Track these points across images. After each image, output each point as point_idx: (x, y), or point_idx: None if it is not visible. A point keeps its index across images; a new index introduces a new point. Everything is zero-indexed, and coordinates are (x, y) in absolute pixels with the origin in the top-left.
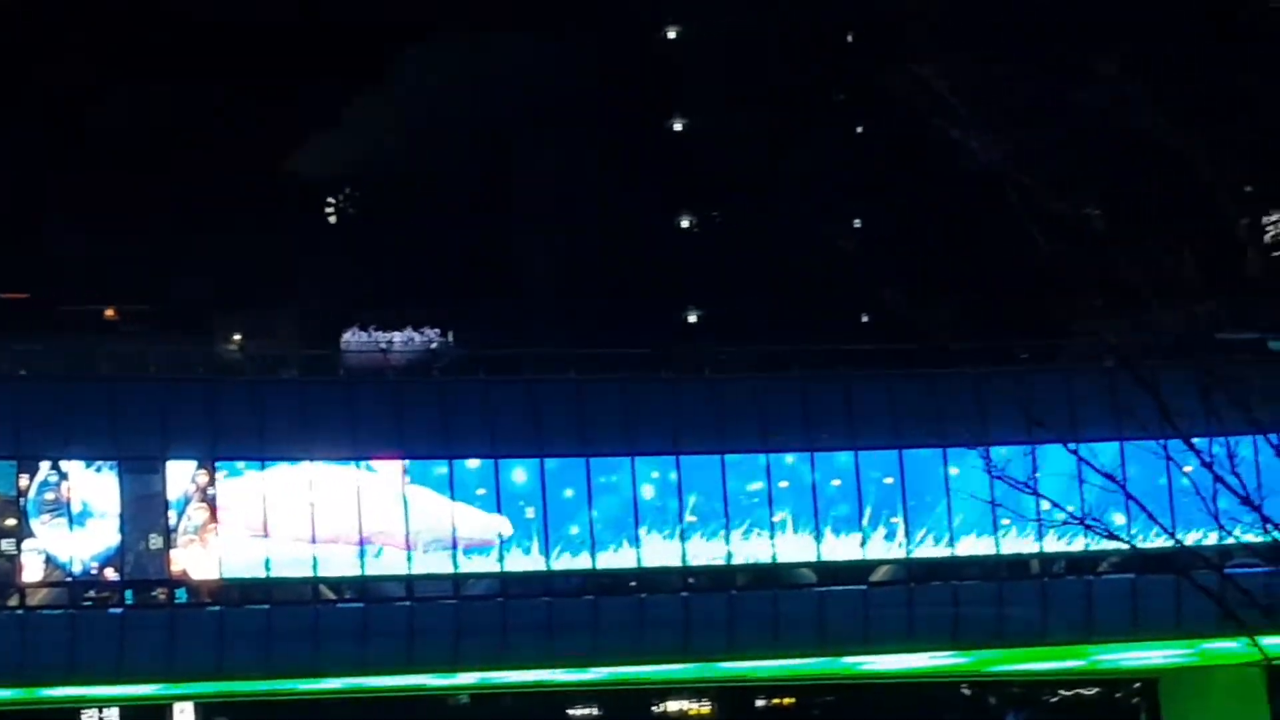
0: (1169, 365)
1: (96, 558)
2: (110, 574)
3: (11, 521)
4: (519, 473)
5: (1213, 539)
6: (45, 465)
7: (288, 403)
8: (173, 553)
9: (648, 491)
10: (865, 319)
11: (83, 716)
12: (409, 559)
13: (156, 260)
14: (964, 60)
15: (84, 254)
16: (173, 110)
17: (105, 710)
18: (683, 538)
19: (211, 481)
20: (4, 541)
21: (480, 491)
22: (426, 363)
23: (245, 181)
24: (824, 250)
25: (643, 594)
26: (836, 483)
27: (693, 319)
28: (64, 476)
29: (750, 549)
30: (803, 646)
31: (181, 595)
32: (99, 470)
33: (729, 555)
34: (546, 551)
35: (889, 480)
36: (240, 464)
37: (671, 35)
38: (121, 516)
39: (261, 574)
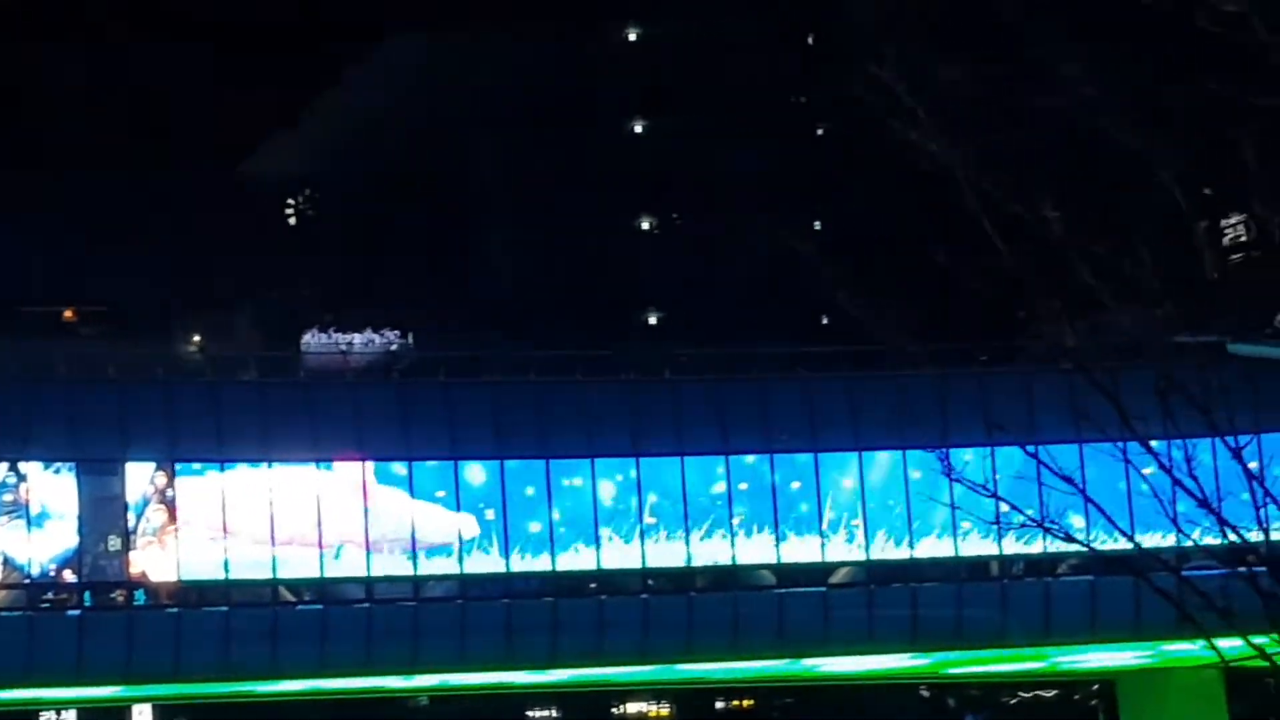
0: (1127, 368)
1: (55, 559)
2: (68, 576)
3: None
4: (478, 474)
5: (1171, 541)
6: (3, 467)
7: (247, 404)
8: (131, 554)
9: (607, 493)
10: (825, 321)
11: (41, 719)
12: (368, 561)
13: (115, 262)
14: (923, 63)
15: (42, 256)
16: (132, 111)
17: (63, 712)
18: (642, 540)
19: (170, 483)
20: None
21: (440, 493)
22: (386, 364)
23: (204, 183)
24: (783, 252)
25: (602, 596)
26: (796, 484)
27: (652, 321)
28: (22, 478)
29: (710, 551)
30: (762, 648)
31: (140, 597)
32: (57, 472)
33: (689, 557)
34: (506, 553)
35: (849, 482)
36: (199, 466)
37: (631, 37)
38: (80, 518)
39: (220, 576)
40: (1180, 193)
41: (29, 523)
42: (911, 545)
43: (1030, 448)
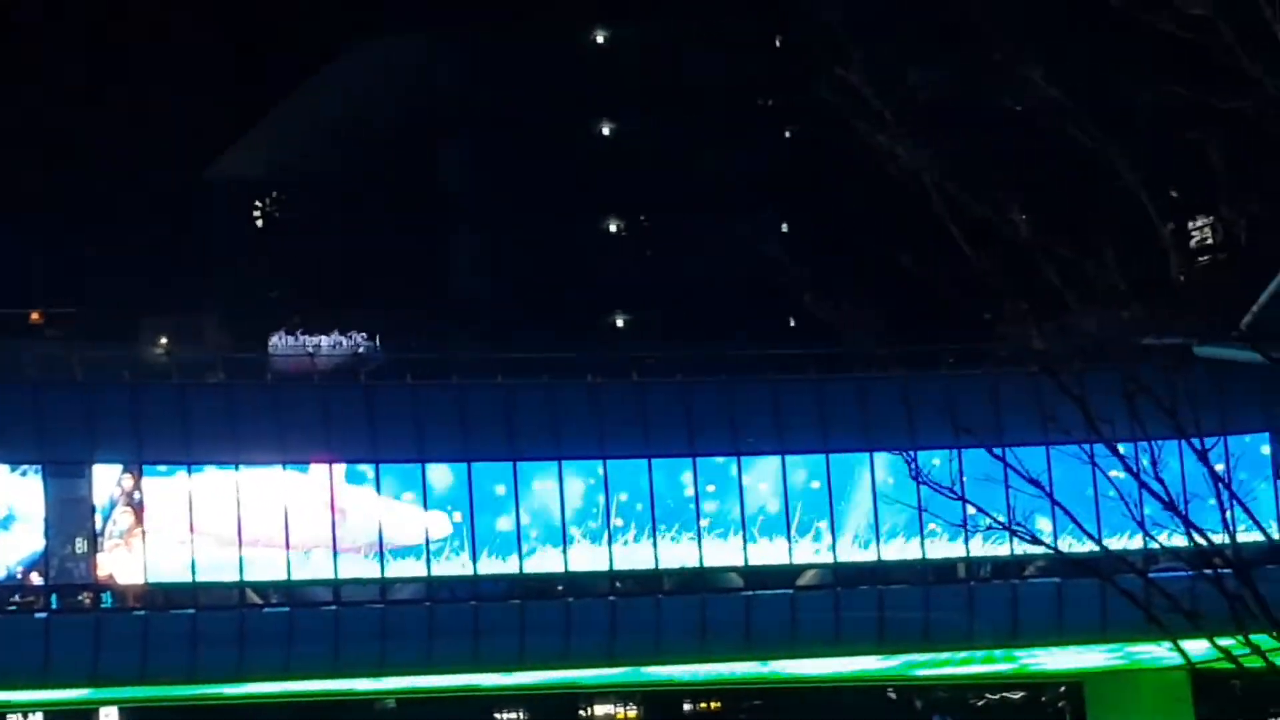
0: (1093, 370)
1: (21, 562)
2: (35, 578)
3: None
4: (446, 477)
5: (1138, 544)
6: None
7: (214, 407)
8: (98, 557)
9: (575, 495)
10: (793, 323)
11: None
12: (335, 563)
13: (82, 264)
14: (891, 67)
15: (8, 257)
16: (102, 113)
17: (30, 715)
18: (610, 542)
19: (137, 485)
20: None
21: (407, 496)
22: (353, 367)
23: (172, 185)
24: (751, 254)
25: (570, 598)
26: (764, 486)
27: (620, 323)
28: None
29: (677, 553)
30: (729, 650)
31: (107, 600)
32: (24, 474)
33: (656, 559)
34: (473, 556)
35: (816, 484)
36: (166, 468)
37: (599, 39)
38: (46, 520)
39: (187, 578)
40: (1146, 195)
41: None
42: (879, 547)
43: (997, 450)
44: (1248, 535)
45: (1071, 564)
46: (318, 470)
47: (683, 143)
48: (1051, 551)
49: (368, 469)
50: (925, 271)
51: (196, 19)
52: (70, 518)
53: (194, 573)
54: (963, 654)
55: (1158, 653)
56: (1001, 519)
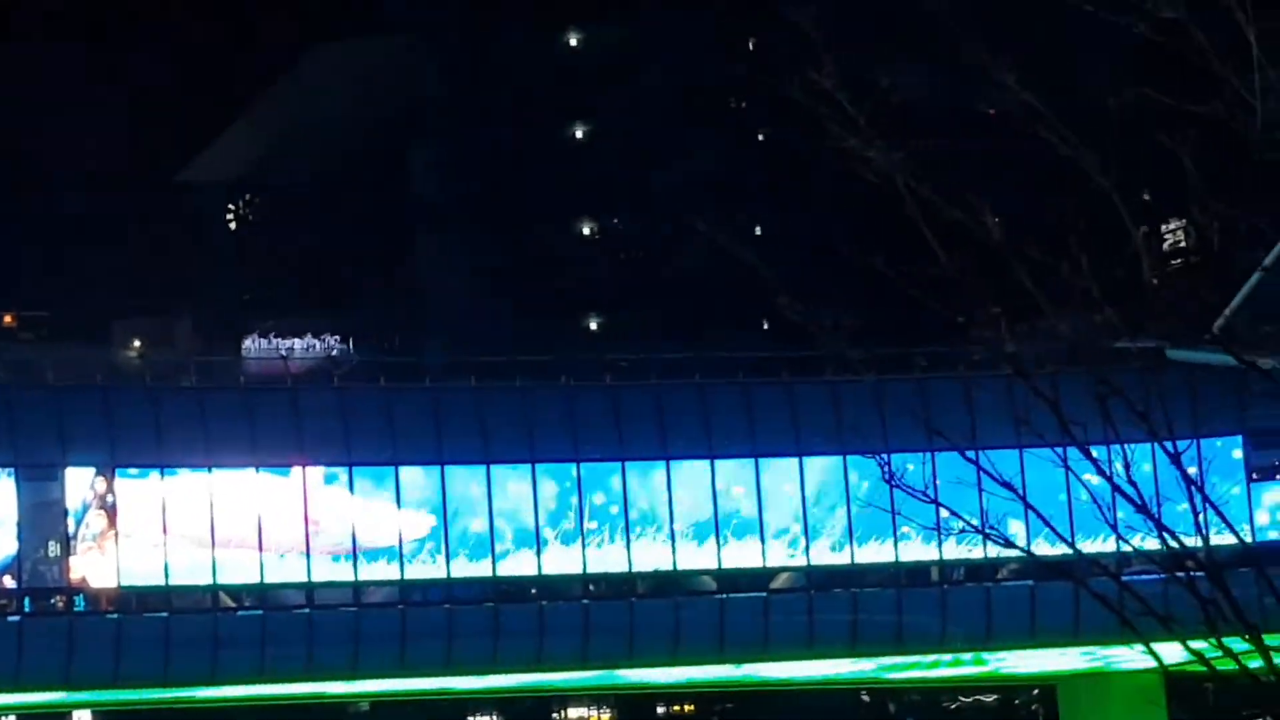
0: (1066, 374)
1: None
2: (8, 582)
3: None
4: (419, 479)
5: (1111, 547)
6: None
7: (187, 410)
8: (71, 560)
9: (548, 498)
10: (765, 326)
11: None
12: (309, 566)
13: (55, 267)
14: (863, 70)
15: None
16: (75, 116)
17: (3, 718)
18: (583, 545)
19: (110, 488)
20: None
21: (381, 498)
22: (326, 370)
23: (145, 188)
24: (724, 257)
25: (543, 601)
26: (738, 489)
27: (593, 325)
28: None
29: (650, 556)
30: (703, 654)
31: (80, 603)
32: None
33: (630, 562)
34: (447, 558)
35: (789, 487)
36: (139, 471)
37: (572, 41)
38: (19, 524)
39: (160, 581)
40: (1119, 199)
41: None
42: (852, 551)
43: (970, 453)
44: (1220, 538)
45: (1045, 567)
46: (290, 473)
47: (655, 145)
48: (1025, 555)
49: (341, 472)
50: (898, 274)
51: (169, 20)
52: (43, 521)
53: (167, 576)
54: (936, 657)
55: (1130, 656)
56: (975, 522)
